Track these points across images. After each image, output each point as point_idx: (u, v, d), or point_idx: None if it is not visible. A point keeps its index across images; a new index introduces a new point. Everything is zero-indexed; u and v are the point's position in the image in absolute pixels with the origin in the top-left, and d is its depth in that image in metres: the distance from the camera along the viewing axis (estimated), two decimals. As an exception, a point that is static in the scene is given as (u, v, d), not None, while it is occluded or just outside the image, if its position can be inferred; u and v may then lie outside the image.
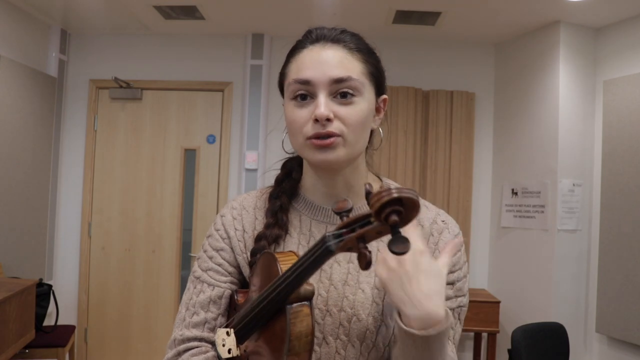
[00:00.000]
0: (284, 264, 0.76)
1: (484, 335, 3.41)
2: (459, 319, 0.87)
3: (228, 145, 3.63)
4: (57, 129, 3.57)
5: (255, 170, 3.53)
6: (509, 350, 2.61)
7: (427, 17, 3.19)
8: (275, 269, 0.76)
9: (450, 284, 0.86)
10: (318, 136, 0.81)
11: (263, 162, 3.56)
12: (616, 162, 2.92)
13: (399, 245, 0.58)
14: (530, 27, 3.24)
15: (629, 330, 2.77)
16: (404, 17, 3.19)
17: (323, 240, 0.66)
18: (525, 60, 3.35)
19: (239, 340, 0.81)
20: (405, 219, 0.60)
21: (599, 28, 3.13)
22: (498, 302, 3.21)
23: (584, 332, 3.12)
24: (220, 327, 0.88)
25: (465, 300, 0.88)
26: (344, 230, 0.65)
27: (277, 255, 0.78)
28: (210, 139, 3.65)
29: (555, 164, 3.07)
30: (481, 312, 3.16)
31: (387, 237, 0.60)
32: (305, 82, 0.81)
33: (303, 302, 0.75)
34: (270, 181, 0.99)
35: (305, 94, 0.82)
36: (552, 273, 3.05)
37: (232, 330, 0.83)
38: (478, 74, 3.65)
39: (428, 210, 0.92)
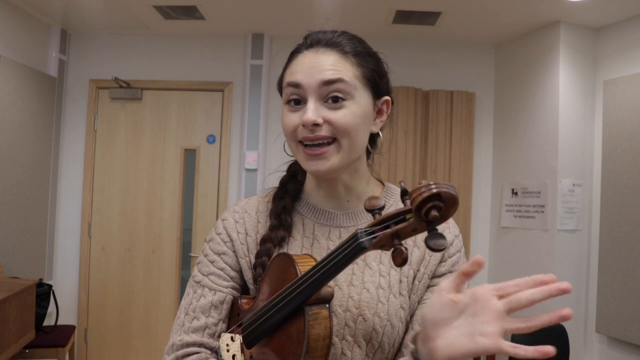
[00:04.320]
0: (302, 266, 0.75)
1: (484, 335, 3.41)
2: None
3: (228, 145, 3.63)
4: (57, 129, 3.57)
5: (255, 170, 3.52)
6: (509, 350, 2.61)
7: (427, 17, 3.19)
8: (293, 271, 0.75)
9: None
10: (307, 140, 0.81)
11: (263, 162, 3.56)
12: (616, 162, 2.92)
13: (436, 241, 0.59)
14: (530, 27, 3.24)
15: (629, 330, 2.77)
16: (404, 17, 3.19)
17: (355, 237, 0.66)
18: (525, 60, 3.35)
19: (248, 345, 0.79)
20: (444, 215, 0.60)
21: (599, 28, 3.12)
22: (498, 302, 3.21)
23: (584, 332, 3.12)
24: (220, 333, 0.87)
25: None
26: (377, 227, 0.65)
27: (294, 257, 0.77)
28: (210, 139, 3.65)
29: (555, 164, 3.07)
30: (481, 312, 3.15)
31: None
32: (296, 85, 0.83)
33: (322, 304, 0.73)
34: (273, 183, 0.99)
35: (298, 98, 0.83)
36: (552, 273, 3.04)
37: (237, 335, 0.81)
38: (478, 74, 3.65)
39: None
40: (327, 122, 0.81)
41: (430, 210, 0.59)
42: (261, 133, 3.53)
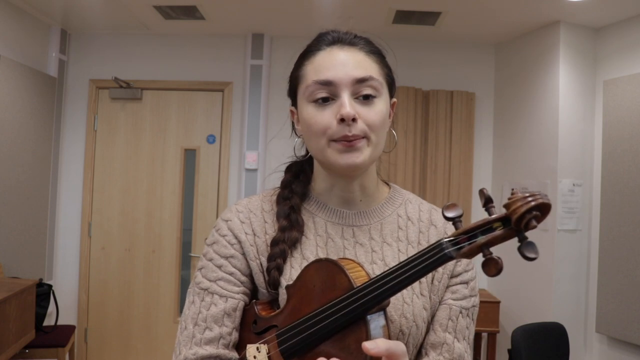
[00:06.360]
0: (352, 273, 0.72)
1: (484, 335, 3.41)
2: (472, 319, 0.87)
3: (228, 145, 3.63)
4: (57, 129, 3.57)
5: (255, 170, 3.52)
6: (509, 350, 2.61)
7: (427, 17, 3.19)
8: (344, 278, 0.71)
9: (464, 282, 0.87)
10: (345, 139, 0.79)
11: (263, 162, 3.56)
12: (616, 162, 2.92)
13: (532, 251, 0.60)
14: (530, 27, 3.24)
15: (629, 330, 2.77)
16: (404, 17, 3.19)
17: (440, 247, 0.65)
18: (525, 60, 3.35)
19: (287, 357, 0.75)
20: (538, 224, 0.61)
21: (599, 28, 3.12)
22: (498, 302, 3.21)
23: (584, 332, 3.12)
24: (234, 342, 0.83)
25: (477, 300, 0.89)
26: (463, 237, 0.65)
27: (342, 264, 0.73)
28: (210, 139, 3.65)
29: (555, 164, 3.07)
30: (481, 312, 3.14)
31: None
32: (327, 83, 0.80)
33: (380, 313, 0.71)
34: (273, 183, 0.96)
35: (327, 96, 0.81)
36: (552, 273, 3.05)
37: (262, 345, 0.77)
38: (478, 74, 3.65)
39: (437, 212, 0.93)
40: (360, 117, 0.80)
41: (531, 221, 0.59)
42: (261, 133, 3.53)
